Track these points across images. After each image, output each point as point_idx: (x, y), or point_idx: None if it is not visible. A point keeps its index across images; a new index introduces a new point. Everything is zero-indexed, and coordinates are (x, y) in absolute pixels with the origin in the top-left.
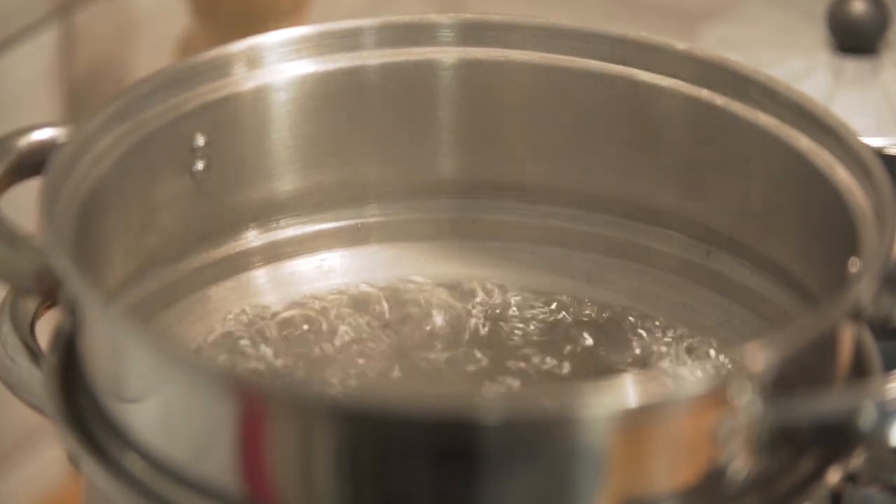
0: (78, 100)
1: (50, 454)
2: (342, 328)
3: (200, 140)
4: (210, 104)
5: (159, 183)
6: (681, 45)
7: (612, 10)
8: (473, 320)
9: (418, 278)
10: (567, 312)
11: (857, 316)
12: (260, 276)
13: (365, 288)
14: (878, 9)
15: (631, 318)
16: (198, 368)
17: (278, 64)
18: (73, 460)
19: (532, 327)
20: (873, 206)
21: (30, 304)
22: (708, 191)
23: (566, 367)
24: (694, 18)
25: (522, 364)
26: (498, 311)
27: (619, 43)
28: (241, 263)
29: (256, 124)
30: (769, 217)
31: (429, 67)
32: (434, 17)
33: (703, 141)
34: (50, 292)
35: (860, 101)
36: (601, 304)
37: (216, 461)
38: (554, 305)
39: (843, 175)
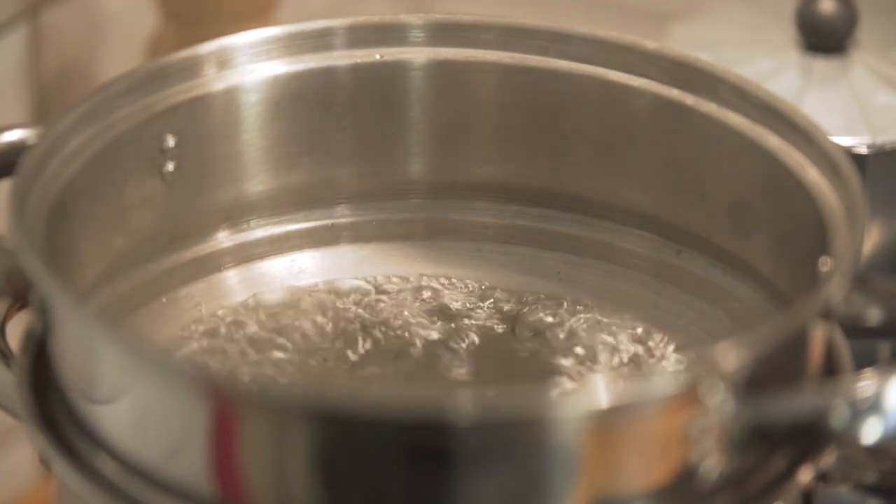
0: (46, 101)
1: (20, 455)
2: (314, 328)
3: (171, 141)
4: (180, 105)
5: (130, 184)
6: (651, 45)
7: (581, 10)
8: (444, 321)
9: (389, 278)
10: (538, 312)
11: (828, 315)
12: (231, 276)
13: (336, 288)
14: (846, 8)
15: (602, 318)
16: (169, 369)
17: (248, 65)
18: (44, 462)
19: (503, 327)
20: (844, 205)
21: (0, 306)
22: (678, 190)
23: (537, 368)
24: (663, 18)
25: (493, 364)
26: (468, 311)
27: (589, 42)
28: (212, 264)
29: (227, 125)
30: (740, 216)
31: (399, 68)
32: (404, 18)
33: (673, 140)
34: (20, 294)
35: (829, 100)
36: (572, 303)
37: (189, 462)
38: (524, 305)
39: (813, 174)
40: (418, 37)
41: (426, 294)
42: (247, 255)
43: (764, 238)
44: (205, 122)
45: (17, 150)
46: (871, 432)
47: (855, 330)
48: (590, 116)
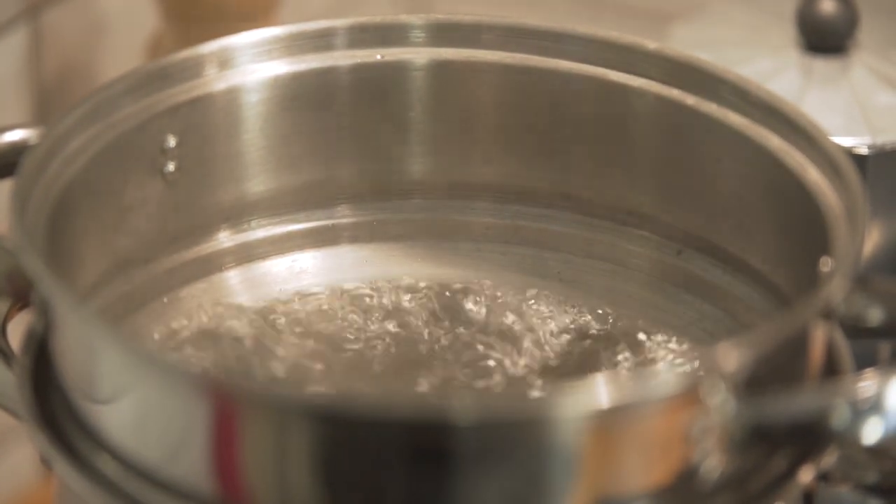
0: (47, 101)
1: (21, 455)
2: (314, 329)
3: (172, 141)
4: (181, 105)
5: (131, 184)
6: (651, 45)
7: (582, 10)
8: (444, 321)
9: (389, 279)
10: (539, 313)
11: (828, 315)
12: (232, 276)
13: (336, 288)
14: (847, 8)
15: (602, 318)
16: (170, 369)
17: (250, 65)
18: (45, 461)
19: (504, 327)
20: (844, 205)
21: (1, 306)
22: (679, 190)
23: (537, 368)
24: (664, 18)
25: (492, 364)
26: (468, 311)
27: (589, 43)
28: (213, 264)
29: (228, 125)
30: (740, 216)
31: (400, 68)
32: (405, 18)
33: (674, 140)
34: (22, 293)
35: (830, 100)
36: (572, 303)
37: (189, 462)
38: (525, 306)
39: (814, 174)
40: (419, 37)
41: (425, 294)
42: (248, 255)
43: (764, 238)
44: (206, 122)
45: (18, 150)
46: (871, 432)
47: (855, 330)
48: (590, 116)
